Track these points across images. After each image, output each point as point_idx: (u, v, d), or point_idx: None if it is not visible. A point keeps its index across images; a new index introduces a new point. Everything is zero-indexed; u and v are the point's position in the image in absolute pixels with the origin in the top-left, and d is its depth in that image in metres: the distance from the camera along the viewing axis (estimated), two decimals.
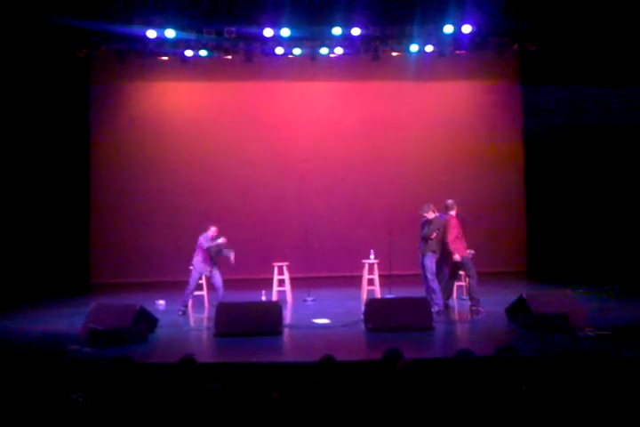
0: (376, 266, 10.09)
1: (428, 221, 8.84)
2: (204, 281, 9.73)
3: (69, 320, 8.40)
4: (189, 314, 9.24)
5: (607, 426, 3.67)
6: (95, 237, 12.96)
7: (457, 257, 8.69)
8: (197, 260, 9.27)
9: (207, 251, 9.25)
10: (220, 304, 7.95)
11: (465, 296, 9.39)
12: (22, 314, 9.25)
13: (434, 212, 8.89)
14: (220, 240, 9.24)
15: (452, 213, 8.92)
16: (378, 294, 9.95)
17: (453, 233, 8.72)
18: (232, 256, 9.28)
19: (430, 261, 8.76)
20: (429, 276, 8.73)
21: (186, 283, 9.36)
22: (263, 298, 9.30)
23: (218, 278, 9.29)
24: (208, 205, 13.16)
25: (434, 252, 8.77)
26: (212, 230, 9.32)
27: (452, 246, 8.69)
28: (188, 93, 13.43)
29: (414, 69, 12.75)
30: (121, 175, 13.09)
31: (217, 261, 9.43)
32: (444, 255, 8.89)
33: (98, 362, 5.92)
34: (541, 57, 12.46)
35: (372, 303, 7.97)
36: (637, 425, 3.67)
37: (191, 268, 9.38)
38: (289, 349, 7.25)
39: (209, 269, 9.31)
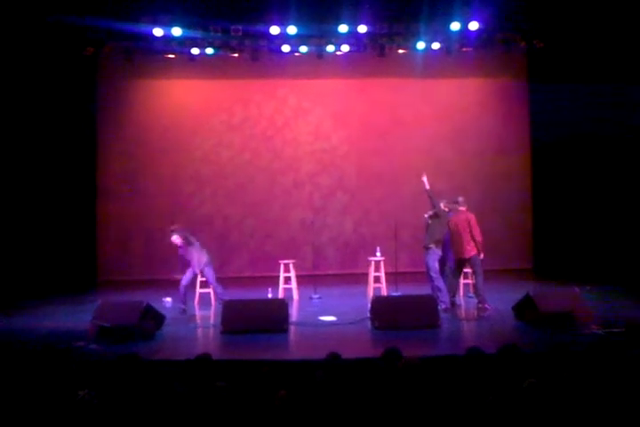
0: (382, 263, 10.09)
1: (436, 213, 8.87)
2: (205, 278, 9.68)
3: (76, 317, 8.43)
4: (195, 311, 9.27)
5: (612, 423, 3.66)
6: (102, 235, 13.00)
7: (481, 256, 8.73)
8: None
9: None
10: (227, 302, 7.98)
11: (471, 294, 9.39)
12: (30, 311, 9.28)
13: (445, 206, 8.97)
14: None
15: (463, 208, 8.95)
16: (384, 292, 9.93)
17: (478, 228, 8.73)
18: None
19: (433, 260, 8.79)
20: (433, 275, 8.75)
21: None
22: (269, 295, 9.34)
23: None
24: (214, 202, 13.21)
25: (436, 244, 8.77)
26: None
27: (479, 245, 8.69)
28: (195, 91, 13.43)
29: (421, 67, 12.71)
30: (127, 173, 13.11)
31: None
32: (448, 252, 8.93)
33: (105, 359, 5.94)
34: (549, 54, 12.38)
35: (378, 301, 7.97)
36: None
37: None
38: (295, 346, 7.25)
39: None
